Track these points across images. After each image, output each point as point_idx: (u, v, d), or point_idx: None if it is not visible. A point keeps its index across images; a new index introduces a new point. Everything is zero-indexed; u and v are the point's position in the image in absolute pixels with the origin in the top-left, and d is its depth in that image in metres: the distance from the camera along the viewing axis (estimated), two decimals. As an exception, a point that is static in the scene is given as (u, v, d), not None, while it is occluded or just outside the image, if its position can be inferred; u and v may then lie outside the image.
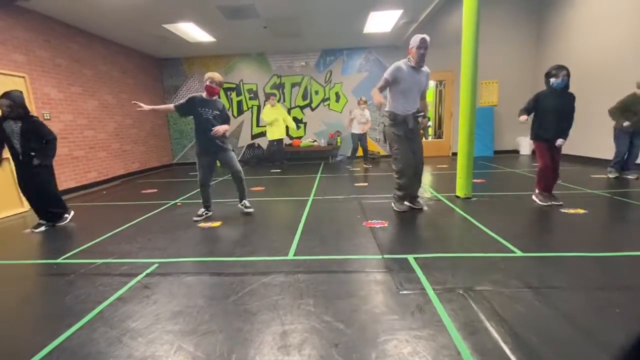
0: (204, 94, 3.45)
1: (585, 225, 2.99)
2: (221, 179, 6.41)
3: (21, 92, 3.34)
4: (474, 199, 4.01)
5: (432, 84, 8.88)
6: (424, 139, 9.34)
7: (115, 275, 2.33)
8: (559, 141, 3.42)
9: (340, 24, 6.36)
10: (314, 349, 1.47)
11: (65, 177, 5.40)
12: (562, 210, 3.37)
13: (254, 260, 2.49)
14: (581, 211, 3.33)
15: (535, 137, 3.57)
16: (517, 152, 8.46)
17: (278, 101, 8.58)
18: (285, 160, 7.69)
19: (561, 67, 3.29)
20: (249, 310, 1.80)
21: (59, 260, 2.65)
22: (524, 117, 3.53)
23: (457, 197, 4.09)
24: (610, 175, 4.94)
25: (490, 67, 7.95)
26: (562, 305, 1.72)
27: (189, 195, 4.97)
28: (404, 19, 6.23)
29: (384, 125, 3.51)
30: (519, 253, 2.40)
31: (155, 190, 5.59)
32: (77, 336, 1.64)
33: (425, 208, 3.68)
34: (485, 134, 8.26)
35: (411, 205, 3.69)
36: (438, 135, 9.13)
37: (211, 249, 2.75)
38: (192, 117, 3.49)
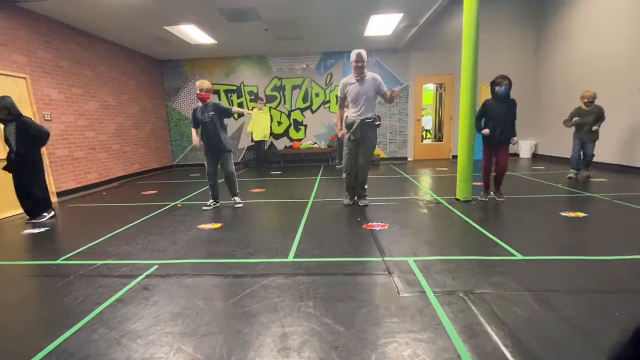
0: (200, 103, 3.94)
1: (585, 229, 2.99)
2: (221, 181, 6.41)
3: (9, 96, 3.68)
4: (474, 201, 4.02)
5: (432, 87, 8.90)
6: (426, 140, 9.36)
7: (115, 276, 2.32)
8: (514, 139, 3.87)
9: (341, 27, 6.39)
10: (313, 351, 1.47)
11: (65, 178, 5.39)
12: (562, 214, 3.38)
13: (254, 262, 2.48)
14: (581, 214, 3.34)
15: (483, 140, 4.00)
16: (516, 155, 8.46)
17: (279, 104, 8.66)
18: (265, 162, 7.92)
19: (504, 77, 3.76)
20: (249, 312, 1.79)
21: (58, 261, 2.64)
22: (485, 131, 3.89)
23: (457, 199, 4.09)
24: (568, 176, 5.41)
25: (490, 70, 7.88)
26: (561, 309, 1.72)
27: (189, 196, 4.97)
28: (404, 22, 6.26)
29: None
30: (518, 256, 2.40)
31: (155, 191, 5.58)
32: (76, 337, 1.64)
33: (369, 202, 4.01)
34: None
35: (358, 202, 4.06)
36: (438, 138, 9.15)
37: (211, 251, 2.75)
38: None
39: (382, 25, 6.33)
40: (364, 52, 3.58)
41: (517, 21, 7.99)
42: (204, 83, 3.81)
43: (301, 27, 6.33)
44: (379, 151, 8.74)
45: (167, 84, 8.73)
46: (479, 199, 4.09)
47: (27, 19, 4.86)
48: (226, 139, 4.02)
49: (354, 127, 3.71)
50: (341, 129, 3.95)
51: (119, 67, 7.00)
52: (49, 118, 5.12)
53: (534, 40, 8.02)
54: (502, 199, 4.02)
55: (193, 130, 4.05)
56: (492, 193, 4.14)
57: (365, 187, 4.07)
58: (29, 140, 3.68)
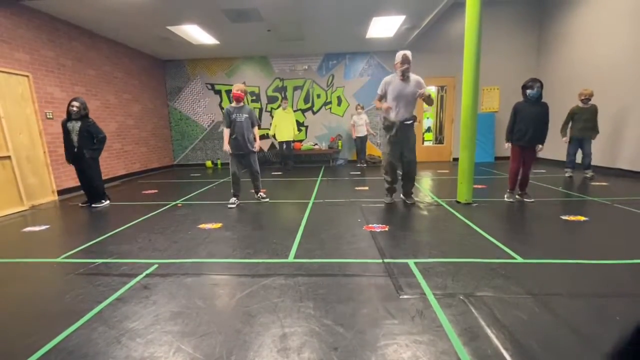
0: (234, 103, 4.15)
1: (586, 232, 2.99)
2: (221, 181, 6.42)
3: (82, 97, 4.36)
4: (474, 204, 4.01)
5: (433, 89, 8.90)
6: (427, 142, 9.37)
7: (115, 275, 2.32)
8: (539, 147, 3.89)
9: (343, 28, 6.40)
10: (313, 352, 1.46)
11: (66, 176, 5.39)
12: (563, 217, 3.37)
13: (254, 262, 2.48)
14: (582, 218, 3.33)
15: (512, 141, 4.01)
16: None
17: (280, 105, 8.67)
18: (292, 162, 8.09)
19: (535, 80, 3.77)
20: (249, 313, 1.79)
21: (58, 259, 2.65)
22: (508, 145, 4.07)
23: (458, 202, 4.08)
24: (567, 175, 5.64)
25: (491, 73, 7.98)
26: (562, 312, 1.71)
27: (189, 196, 4.98)
28: (406, 24, 6.27)
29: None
30: (519, 259, 2.40)
31: (156, 191, 5.59)
32: (75, 336, 1.64)
33: (416, 200, 4.17)
34: (486, 140, 8.27)
35: (404, 199, 4.16)
36: (439, 140, 9.15)
37: (211, 251, 2.75)
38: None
39: (384, 27, 6.33)
40: (409, 53, 3.59)
41: (519, 24, 8.00)
42: (240, 85, 4.16)
43: (303, 29, 6.35)
44: (379, 152, 8.75)
45: (169, 84, 8.75)
46: (505, 199, 4.13)
47: (30, 17, 4.87)
48: (251, 141, 4.23)
49: (394, 130, 3.75)
50: (386, 108, 3.73)
51: (122, 66, 7.01)
52: (51, 116, 5.13)
53: (535, 43, 8.03)
54: (531, 200, 4.02)
55: (225, 132, 4.11)
56: (517, 196, 4.15)
57: (415, 184, 4.14)
58: (91, 140, 4.26)
